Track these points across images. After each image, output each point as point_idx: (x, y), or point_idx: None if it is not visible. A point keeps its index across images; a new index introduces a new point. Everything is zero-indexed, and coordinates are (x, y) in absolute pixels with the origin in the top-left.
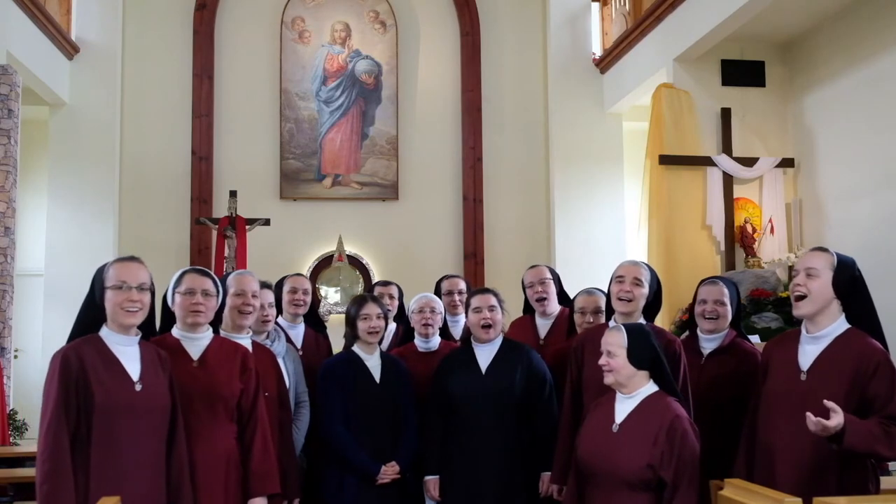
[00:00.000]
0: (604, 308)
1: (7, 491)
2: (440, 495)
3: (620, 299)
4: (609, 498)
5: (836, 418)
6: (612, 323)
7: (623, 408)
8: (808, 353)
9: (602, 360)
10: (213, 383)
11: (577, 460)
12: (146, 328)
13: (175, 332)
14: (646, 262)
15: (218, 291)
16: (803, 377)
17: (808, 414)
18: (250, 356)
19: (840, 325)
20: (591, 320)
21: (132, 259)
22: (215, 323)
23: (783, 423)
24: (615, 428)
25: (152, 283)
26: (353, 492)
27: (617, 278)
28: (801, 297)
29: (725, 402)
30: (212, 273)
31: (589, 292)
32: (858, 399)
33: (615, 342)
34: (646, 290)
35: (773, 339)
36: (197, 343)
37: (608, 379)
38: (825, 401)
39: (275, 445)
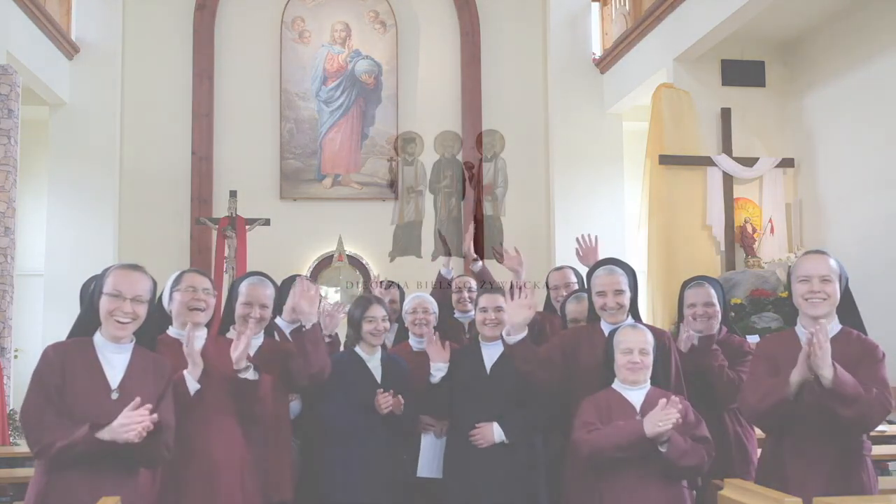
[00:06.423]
0: (573, 280)
1: (7, 491)
2: (439, 494)
3: (606, 309)
4: (646, 483)
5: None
6: (604, 325)
7: (636, 399)
8: None
9: (636, 358)
10: (211, 383)
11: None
12: (145, 337)
13: (172, 332)
14: (621, 265)
15: (214, 292)
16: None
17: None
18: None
19: (836, 325)
20: (565, 293)
21: (134, 268)
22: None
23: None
24: (639, 419)
25: (154, 293)
26: (356, 485)
27: (598, 293)
28: (821, 301)
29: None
30: (209, 274)
31: (558, 269)
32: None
33: (648, 341)
34: (628, 292)
35: (766, 341)
36: (196, 343)
37: (641, 376)
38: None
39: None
